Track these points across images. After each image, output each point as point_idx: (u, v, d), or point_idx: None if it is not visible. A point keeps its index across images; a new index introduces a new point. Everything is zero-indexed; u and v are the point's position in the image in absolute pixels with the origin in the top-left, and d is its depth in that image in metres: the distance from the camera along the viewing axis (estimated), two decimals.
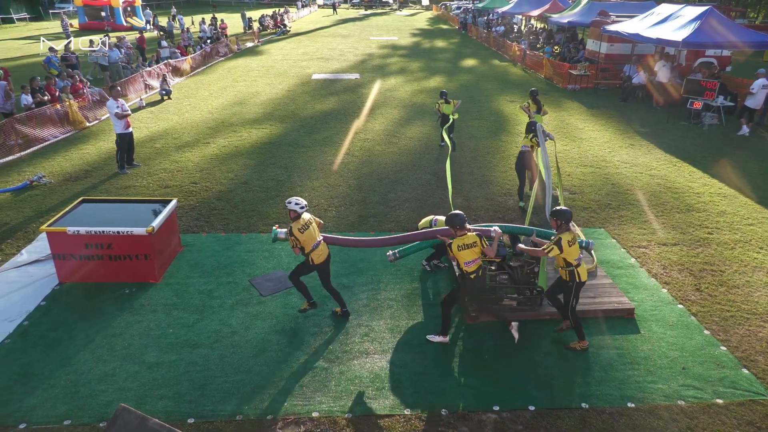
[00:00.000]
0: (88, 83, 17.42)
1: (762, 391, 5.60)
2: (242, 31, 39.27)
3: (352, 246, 7.31)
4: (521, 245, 6.59)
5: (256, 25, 40.21)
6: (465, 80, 22.83)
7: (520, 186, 10.26)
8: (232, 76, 22.88)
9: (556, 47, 27.04)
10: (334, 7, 63.32)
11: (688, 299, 7.22)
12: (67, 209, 7.82)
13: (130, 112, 11.58)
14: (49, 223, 7.33)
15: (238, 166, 12.02)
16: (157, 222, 7.30)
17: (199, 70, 24.31)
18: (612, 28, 19.73)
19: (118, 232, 7.12)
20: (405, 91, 20.33)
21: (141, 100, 17.87)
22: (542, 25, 35.42)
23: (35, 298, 7.05)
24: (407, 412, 5.32)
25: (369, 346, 6.28)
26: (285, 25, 41.41)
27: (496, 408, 5.38)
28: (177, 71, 22.02)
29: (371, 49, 32.06)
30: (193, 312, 6.84)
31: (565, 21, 25.67)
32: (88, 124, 15.07)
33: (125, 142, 11.41)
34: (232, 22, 41.62)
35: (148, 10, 43.82)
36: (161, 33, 34.19)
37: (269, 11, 48.97)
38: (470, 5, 51.75)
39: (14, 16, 45.93)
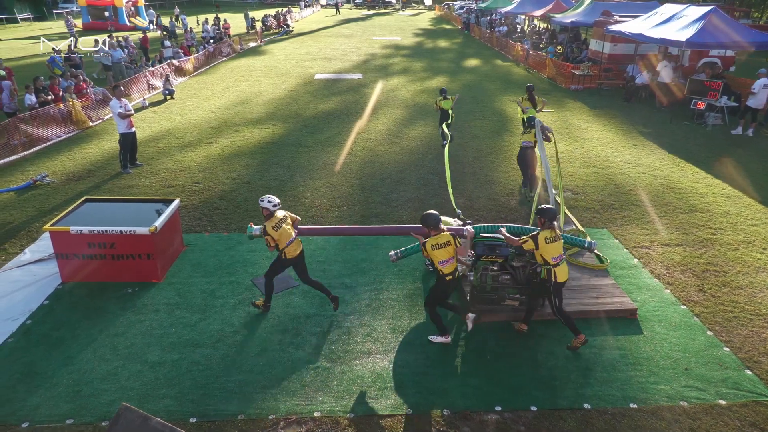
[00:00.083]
0: (92, 83, 17.47)
1: (765, 393, 5.58)
2: (245, 31, 39.31)
3: (328, 234, 7.59)
4: (503, 230, 6.62)
5: (259, 25, 40.30)
6: (468, 80, 22.81)
7: (525, 179, 10.55)
8: (235, 76, 22.92)
9: (559, 47, 26.97)
10: (337, 7, 63.35)
11: (691, 300, 7.20)
12: (70, 209, 7.84)
13: (133, 111, 11.60)
14: (52, 222, 7.35)
15: (240, 166, 12.03)
16: (159, 221, 7.32)
17: (202, 70, 24.35)
18: (615, 28, 19.69)
19: (120, 232, 7.13)
20: (408, 91, 20.32)
21: (144, 99, 17.91)
22: (545, 25, 35.35)
23: (38, 297, 7.07)
24: (409, 412, 5.32)
25: (371, 346, 6.28)
26: (288, 25, 41.44)
27: (498, 408, 5.37)
28: (180, 71, 22.06)
29: (374, 49, 32.06)
30: (196, 311, 6.86)
31: (568, 21, 25.62)
32: (91, 123, 15.11)
33: (128, 141, 11.43)
34: (235, 22, 41.64)
35: (151, 10, 43.91)
36: (164, 33, 34.25)
37: (272, 11, 49.02)
38: (473, 5, 51.71)
39: (18, 16, 46.09)
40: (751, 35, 16.34)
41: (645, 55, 19.98)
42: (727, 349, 6.23)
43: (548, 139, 9.66)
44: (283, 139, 14.10)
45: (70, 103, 14.57)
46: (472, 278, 6.84)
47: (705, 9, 16.62)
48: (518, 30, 37.37)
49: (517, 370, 5.90)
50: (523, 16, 37.11)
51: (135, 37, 29.50)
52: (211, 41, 29.75)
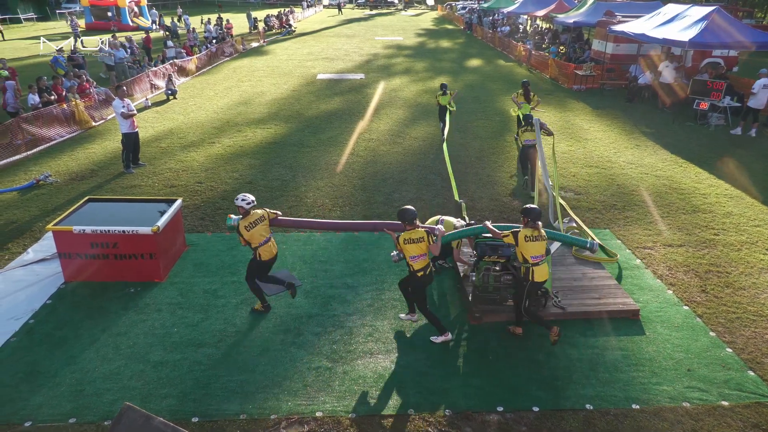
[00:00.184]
0: (94, 83, 17.51)
1: None
2: (248, 31, 39.35)
3: (304, 228, 7.81)
4: (487, 223, 6.64)
5: (261, 25, 40.34)
6: (470, 80, 22.80)
7: (525, 174, 10.89)
8: (237, 76, 22.94)
9: (561, 47, 26.96)
10: (339, 7, 63.40)
11: (693, 301, 7.18)
12: (73, 208, 7.86)
13: (135, 111, 11.63)
14: (55, 222, 7.37)
15: (243, 166, 12.05)
16: (162, 221, 7.33)
17: (204, 70, 24.39)
18: (618, 28, 19.65)
19: (123, 232, 7.15)
20: (410, 91, 20.32)
21: (146, 99, 17.94)
22: (548, 25, 35.32)
23: (41, 297, 7.09)
24: (411, 412, 5.32)
25: (373, 346, 6.28)
26: (290, 25, 41.48)
27: (500, 409, 5.37)
28: (182, 71, 22.10)
29: (376, 49, 32.07)
30: (198, 311, 6.87)
31: (571, 21, 25.58)
32: (94, 123, 15.14)
33: (130, 141, 11.45)
34: (238, 22, 41.73)
35: (153, 10, 44.00)
36: (167, 33, 34.32)
37: (274, 11, 49.08)
38: (475, 5, 51.66)
39: (21, 16, 46.21)
40: (754, 35, 16.29)
41: (648, 55, 19.95)
42: (729, 350, 6.22)
43: (550, 133, 10.04)
44: (286, 139, 14.11)
45: (73, 103, 14.60)
46: (474, 278, 6.84)
47: (708, 9, 16.58)
48: (521, 30, 37.36)
49: (518, 371, 5.89)
50: (525, 16, 37.08)
51: (138, 37, 29.57)
52: (214, 41, 29.79)
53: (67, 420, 5.15)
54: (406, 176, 11.55)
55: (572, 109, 17.77)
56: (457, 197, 8.96)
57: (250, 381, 5.68)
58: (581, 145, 13.83)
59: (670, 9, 18.23)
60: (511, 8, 35.84)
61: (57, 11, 49.02)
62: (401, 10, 70.76)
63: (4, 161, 11.92)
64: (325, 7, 70.77)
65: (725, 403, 5.45)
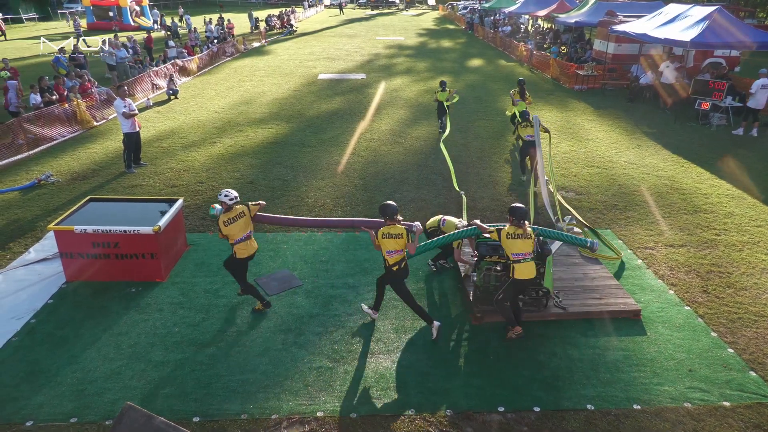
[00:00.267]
0: (96, 83, 17.53)
1: None
2: (249, 31, 39.41)
3: (284, 225, 7.92)
4: (477, 221, 6.80)
5: (262, 25, 40.40)
6: (471, 80, 22.79)
7: (524, 170, 11.30)
8: (238, 76, 22.95)
9: (563, 47, 26.93)
10: (340, 7, 63.45)
11: (695, 301, 7.17)
12: (74, 208, 7.87)
13: (137, 111, 11.64)
14: (56, 221, 7.38)
15: (244, 166, 12.05)
16: (163, 221, 7.34)
17: (205, 69, 24.40)
18: (619, 28, 19.63)
19: (124, 231, 7.15)
20: (411, 91, 20.31)
21: (148, 99, 17.96)
22: (549, 25, 35.29)
23: (42, 296, 7.10)
24: (412, 412, 5.32)
25: (374, 346, 6.28)
26: (291, 25, 41.50)
27: (501, 409, 5.37)
28: (184, 71, 22.12)
29: (377, 49, 32.07)
30: (199, 311, 6.87)
31: (572, 21, 25.56)
32: (95, 123, 15.16)
33: (132, 141, 11.46)
34: (239, 22, 41.77)
35: (155, 10, 44.05)
36: (168, 33, 34.37)
37: (276, 11, 49.11)
38: (477, 5, 51.65)
39: (23, 16, 46.29)
40: (756, 35, 16.27)
41: (649, 55, 19.93)
42: (731, 351, 6.21)
43: (546, 130, 10.30)
44: (287, 139, 14.11)
45: (75, 102, 14.62)
46: (475, 278, 6.84)
47: (709, 9, 16.56)
48: (522, 30, 37.34)
49: (519, 371, 5.89)
50: (526, 16, 37.08)
51: (139, 37, 29.60)
52: (215, 41, 29.82)
53: (68, 419, 5.15)
54: (407, 176, 11.55)
55: (573, 109, 17.75)
56: (456, 185, 9.06)
57: (251, 381, 5.69)
58: (582, 145, 13.82)
59: (672, 9, 18.22)
60: (512, 8, 35.84)
61: (59, 11, 49.11)
62: (402, 10, 70.77)
63: (6, 161, 11.94)
64: (326, 7, 70.81)
65: (727, 403, 5.45)
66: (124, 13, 39.47)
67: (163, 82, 19.54)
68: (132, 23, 39.66)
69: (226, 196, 6.48)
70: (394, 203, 6.23)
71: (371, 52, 30.39)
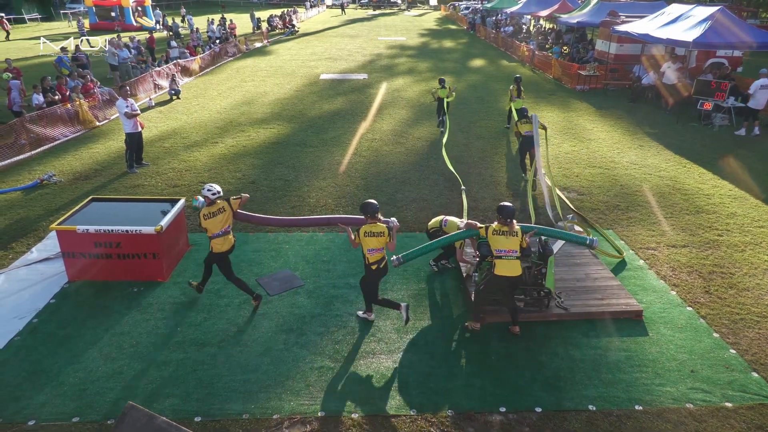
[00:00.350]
0: (98, 83, 17.56)
1: None
2: (251, 31, 39.43)
3: (264, 224, 7.91)
4: (470, 220, 7.00)
5: (264, 26, 40.40)
6: (473, 80, 22.78)
7: (523, 166, 11.39)
8: (240, 76, 22.98)
9: (565, 47, 26.90)
10: (342, 7, 63.44)
11: (697, 302, 7.16)
12: (76, 208, 7.89)
13: (139, 111, 11.66)
14: (59, 221, 7.40)
15: (246, 166, 12.06)
16: (165, 221, 7.35)
17: (207, 70, 24.43)
18: (621, 28, 19.60)
19: (126, 231, 7.17)
20: (413, 92, 20.31)
21: (150, 99, 17.98)
22: (551, 26, 35.25)
23: (45, 296, 7.11)
24: (413, 412, 5.32)
25: (376, 346, 6.28)
26: (293, 26, 41.53)
27: (503, 409, 5.36)
28: (186, 71, 22.14)
29: (379, 49, 32.07)
30: (201, 311, 6.88)
31: (574, 21, 25.53)
32: (98, 123, 15.19)
33: (134, 141, 11.48)
34: (241, 22, 41.80)
35: (157, 10, 44.12)
36: (170, 33, 34.42)
37: (278, 11, 49.13)
38: (479, 5, 51.62)
39: (26, 17, 46.40)
40: (759, 35, 16.23)
41: (652, 55, 19.89)
42: (733, 352, 6.20)
43: (544, 127, 10.55)
44: (289, 139, 14.12)
45: (77, 102, 14.65)
46: (476, 279, 6.83)
47: (712, 9, 16.53)
48: (524, 30, 37.29)
49: (521, 371, 5.88)
50: (528, 17, 37.02)
51: (142, 37, 29.65)
52: (217, 41, 29.85)
53: (70, 419, 5.17)
54: (408, 176, 11.55)
55: (575, 109, 17.74)
56: (452, 171, 9.11)
57: (252, 381, 5.69)
58: (584, 145, 13.80)
59: (674, 9, 18.19)
60: (514, 8, 35.81)
61: (61, 11, 49.21)
62: (404, 10, 70.77)
63: (9, 161, 11.96)
64: (328, 7, 70.82)
65: (729, 404, 5.44)
66: (126, 14, 39.55)
67: (165, 83, 19.57)
68: (134, 23, 39.72)
69: (208, 190, 6.60)
70: (374, 201, 6.33)
71: (373, 53, 30.40)
